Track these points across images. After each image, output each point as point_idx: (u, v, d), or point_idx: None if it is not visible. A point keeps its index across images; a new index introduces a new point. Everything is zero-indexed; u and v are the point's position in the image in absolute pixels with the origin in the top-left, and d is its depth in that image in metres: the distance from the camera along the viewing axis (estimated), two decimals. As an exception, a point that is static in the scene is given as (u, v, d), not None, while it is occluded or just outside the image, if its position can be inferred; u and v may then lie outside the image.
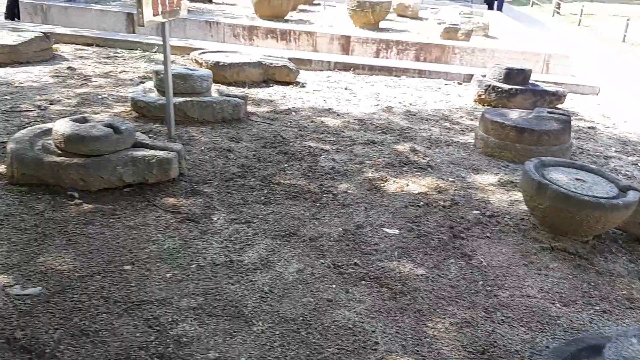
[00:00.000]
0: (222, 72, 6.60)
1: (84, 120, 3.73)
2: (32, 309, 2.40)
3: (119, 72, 6.73)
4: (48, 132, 3.80)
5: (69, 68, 6.73)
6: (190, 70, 5.26)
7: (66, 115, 4.78)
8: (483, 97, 6.62)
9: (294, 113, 5.65)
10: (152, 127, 4.78)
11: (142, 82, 6.24)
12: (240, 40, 9.01)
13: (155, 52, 7.99)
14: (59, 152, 3.52)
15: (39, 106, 5.17)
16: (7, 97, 5.35)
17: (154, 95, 5.22)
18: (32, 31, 7.39)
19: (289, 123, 5.30)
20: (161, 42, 4.44)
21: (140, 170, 3.55)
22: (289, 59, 7.35)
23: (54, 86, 5.87)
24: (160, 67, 5.17)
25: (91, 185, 3.46)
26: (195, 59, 6.84)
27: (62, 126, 3.51)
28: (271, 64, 6.89)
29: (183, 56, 7.97)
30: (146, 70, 6.90)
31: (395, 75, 7.92)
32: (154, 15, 3.94)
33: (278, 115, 5.52)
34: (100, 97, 5.63)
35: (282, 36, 8.96)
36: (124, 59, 7.55)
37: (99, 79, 6.34)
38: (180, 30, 9.01)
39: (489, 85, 6.57)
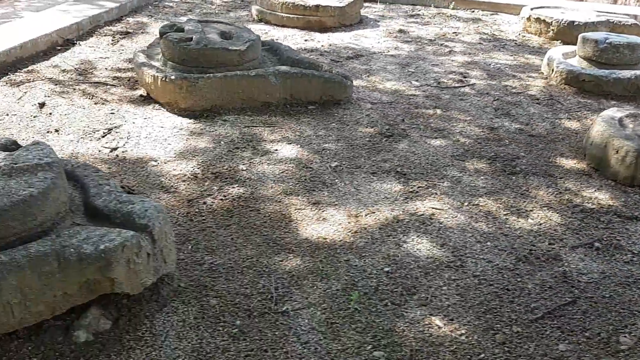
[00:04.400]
0: (575, 33, 6.01)
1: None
2: None
3: (452, 34, 6.27)
4: (634, 115, 3.43)
5: (400, 31, 6.31)
6: (625, 37, 4.76)
7: (497, 90, 4.42)
8: None
9: None
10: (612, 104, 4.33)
11: (502, 45, 5.79)
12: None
13: (453, 8, 7.45)
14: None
15: (460, 80, 4.80)
16: (411, 69, 4.99)
17: (576, 64, 4.80)
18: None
19: None
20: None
21: None
22: (627, 14, 6.68)
23: (426, 53, 5.50)
24: (591, 34, 4.73)
25: None
26: (531, 17, 6.28)
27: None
28: (619, 22, 6.26)
29: (472, 11, 7.42)
30: (485, 32, 6.39)
31: None
32: None
33: None
34: (493, 65, 5.21)
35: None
36: (429, 17, 7.06)
37: (449, 43, 5.92)
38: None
39: None
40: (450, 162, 3.35)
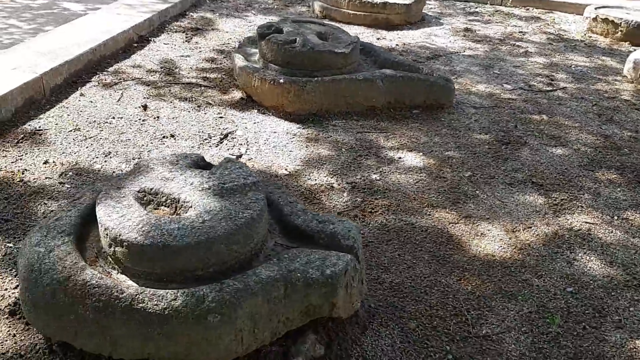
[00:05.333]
0: (646, 34, 5.98)
1: None
2: None
3: (519, 34, 6.21)
4: None
5: (466, 30, 6.24)
6: None
7: (590, 95, 4.34)
8: None
9: None
10: None
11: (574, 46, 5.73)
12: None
13: (509, 5, 7.37)
14: None
15: (550, 84, 4.74)
16: (496, 71, 4.93)
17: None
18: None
19: None
20: None
21: None
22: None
23: (502, 54, 5.45)
24: None
25: None
26: (598, 17, 6.22)
27: None
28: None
29: (527, 9, 7.35)
30: (549, 32, 6.32)
31: None
32: None
33: None
34: (574, 68, 5.16)
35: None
36: (489, 16, 6.99)
37: (520, 43, 5.87)
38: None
39: None
40: (580, 172, 3.31)
